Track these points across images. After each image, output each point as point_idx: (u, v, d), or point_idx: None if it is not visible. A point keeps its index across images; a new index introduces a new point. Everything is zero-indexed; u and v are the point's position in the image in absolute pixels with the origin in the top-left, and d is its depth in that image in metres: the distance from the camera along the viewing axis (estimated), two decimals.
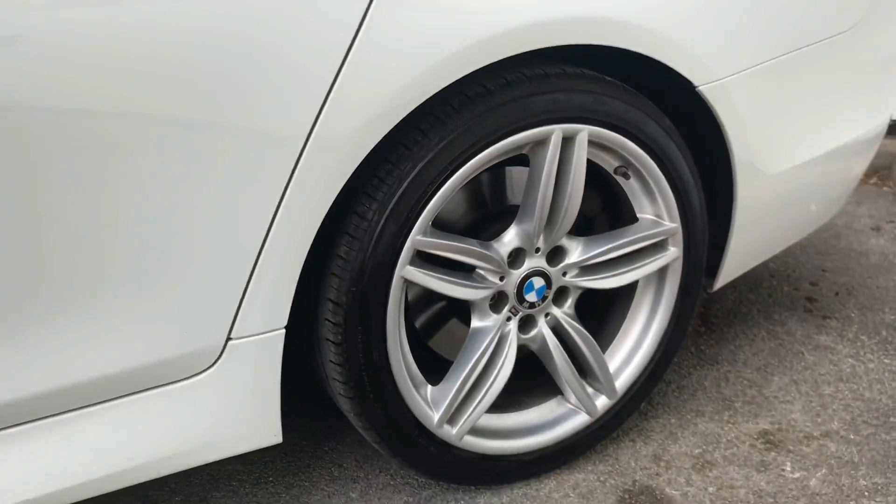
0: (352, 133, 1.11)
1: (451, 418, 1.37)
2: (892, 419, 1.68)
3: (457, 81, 1.16)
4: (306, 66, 1.06)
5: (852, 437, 1.63)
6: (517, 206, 1.40)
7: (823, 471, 1.54)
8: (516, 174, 1.45)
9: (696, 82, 1.35)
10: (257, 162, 1.07)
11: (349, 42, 1.07)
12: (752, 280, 2.22)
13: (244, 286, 1.13)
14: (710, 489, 1.49)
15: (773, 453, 1.58)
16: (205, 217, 1.07)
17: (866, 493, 1.48)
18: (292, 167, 1.09)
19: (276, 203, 1.10)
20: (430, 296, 1.46)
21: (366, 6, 1.07)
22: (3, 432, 1.07)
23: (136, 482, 1.18)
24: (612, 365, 1.51)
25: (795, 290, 2.21)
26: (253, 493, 1.47)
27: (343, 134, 1.11)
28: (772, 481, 1.51)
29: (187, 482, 1.48)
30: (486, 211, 1.47)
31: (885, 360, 1.89)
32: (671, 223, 1.44)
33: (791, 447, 1.60)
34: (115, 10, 0.95)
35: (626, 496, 1.47)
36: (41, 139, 0.95)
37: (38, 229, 1.00)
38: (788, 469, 1.54)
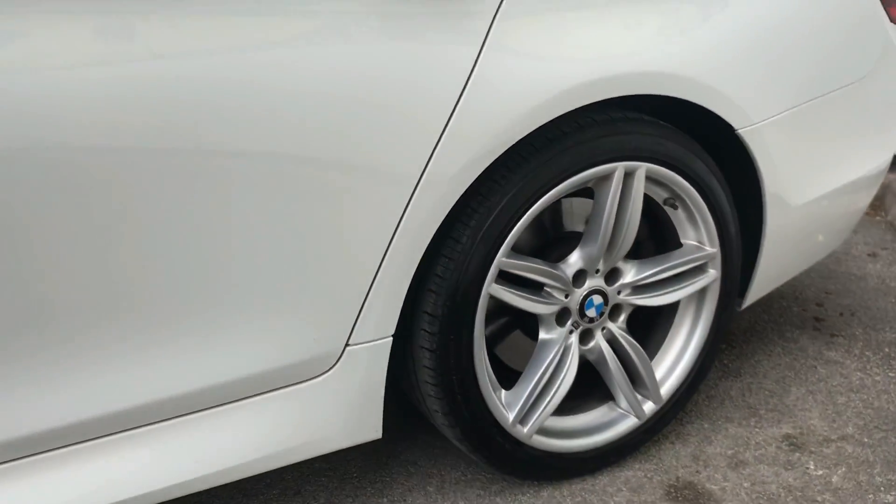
0: (456, 172, 1.31)
1: (523, 419, 1.56)
2: None
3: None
4: (422, 118, 1.26)
5: (866, 440, 1.83)
6: (573, 233, 1.61)
7: (843, 469, 1.74)
8: (577, 204, 1.65)
9: (735, 126, 1.57)
10: (380, 197, 1.27)
11: (458, 96, 1.27)
12: (765, 302, 2.43)
13: (363, 300, 1.32)
14: (745, 484, 1.68)
15: (797, 454, 1.78)
16: (337, 242, 1.26)
17: (882, 489, 1.68)
18: (407, 201, 1.29)
19: (393, 231, 1.29)
20: (497, 310, 1.64)
21: (472, 63, 1.28)
22: (165, 423, 1.25)
23: (263, 471, 1.35)
24: (658, 374, 1.71)
25: (804, 311, 2.42)
26: (341, 486, 1.64)
27: (449, 173, 1.30)
28: (798, 478, 1.71)
29: (280, 478, 1.66)
30: (548, 236, 1.66)
31: (890, 374, 2.10)
32: (711, 248, 1.65)
33: (813, 448, 1.80)
34: (281, 79, 1.15)
35: (672, 490, 1.66)
36: (226, 175, 1.14)
37: (203, 251, 1.18)
38: (812, 467, 1.74)
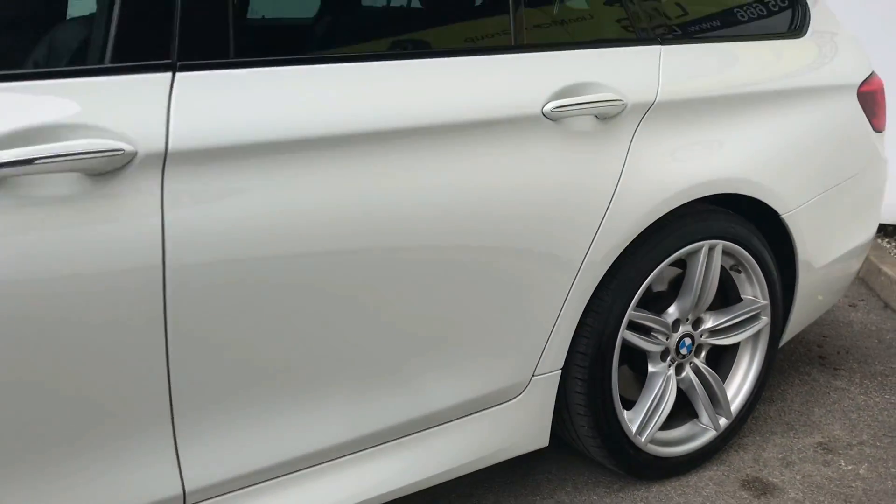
0: (605, 254, 1.89)
1: (640, 431, 2.11)
2: None
3: None
4: (587, 220, 1.83)
5: (878, 444, 2.42)
6: (660, 292, 2.19)
7: (866, 465, 2.32)
8: (667, 271, 2.23)
9: (780, 212, 2.18)
10: (558, 277, 1.83)
11: (609, 201, 1.86)
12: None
13: (545, 346, 1.88)
14: (797, 477, 2.25)
15: (830, 455, 2.36)
16: (531, 309, 1.82)
17: None
18: (574, 278, 1.85)
19: (564, 299, 1.85)
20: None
21: (619, 175, 1.87)
22: (414, 435, 1.77)
23: (477, 469, 1.88)
24: (728, 395, 2.28)
25: (809, 351, 3.03)
26: (503, 490, 2.16)
27: (601, 256, 1.88)
28: (835, 472, 2.28)
29: (457, 483, 2.16)
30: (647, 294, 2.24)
31: (886, 396, 2.71)
32: (764, 301, 2.25)
33: (840, 451, 2.38)
34: (491, 194, 1.71)
35: (745, 483, 2.22)
36: (460, 264, 1.68)
37: (443, 318, 1.72)
38: (843, 464, 2.32)
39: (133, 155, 1.31)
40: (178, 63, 1.39)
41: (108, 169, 1.30)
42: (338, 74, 1.54)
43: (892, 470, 2.29)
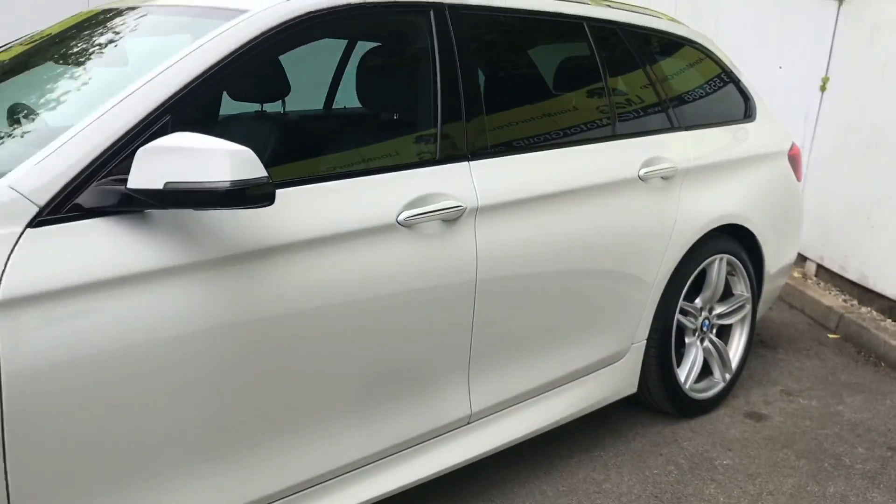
0: (667, 272, 2.99)
1: (685, 382, 3.22)
2: (832, 379, 3.72)
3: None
4: (657, 247, 2.94)
5: (816, 388, 3.64)
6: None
7: (814, 400, 3.52)
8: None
9: (756, 234, 3.38)
10: (645, 284, 2.92)
11: (671, 233, 2.98)
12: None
13: (637, 326, 2.95)
14: (776, 409, 3.41)
15: (790, 396, 3.55)
16: (630, 307, 2.89)
17: (838, 401, 3.48)
18: (653, 283, 2.95)
19: (647, 300, 2.95)
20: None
21: (676, 211, 3.00)
22: (567, 384, 2.79)
23: (598, 407, 2.91)
24: (730, 358, 3.44)
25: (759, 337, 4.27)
26: (598, 436, 3.19)
27: (665, 274, 2.99)
28: (796, 405, 3.47)
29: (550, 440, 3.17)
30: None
31: (813, 361, 3.96)
32: (747, 294, 3.43)
33: (796, 394, 3.57)
34: (600, 231, 2.79)
35: (746, 414, 3.36)
36: (589, 276, 2.75)
37: (578, 311, 2.77)
38: (801, 401, 3.51)
39: (464, 210, 2.29)
40: (471, 156, 2.39)
41: (453, 217, 2.28)
42: (540, 159, 2.57)
43: (830, 401, 3.51)
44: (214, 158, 1.64)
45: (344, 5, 2.19)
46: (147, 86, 1.83)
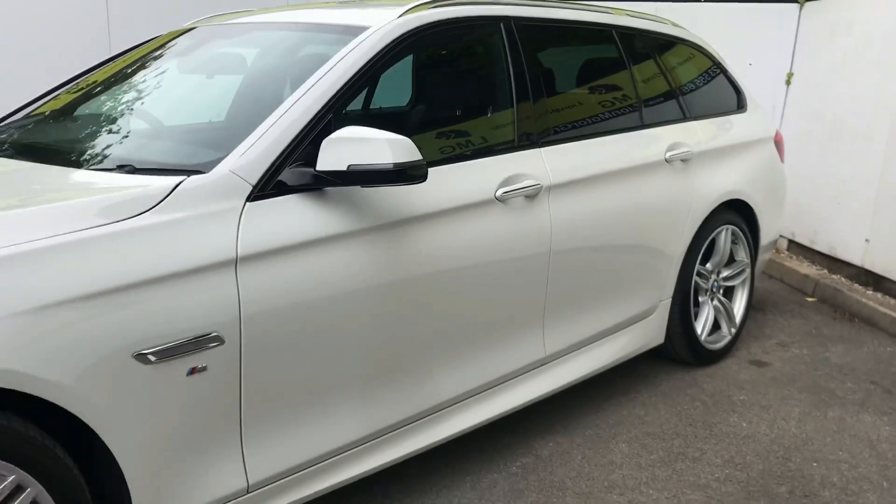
0: (685, 242, 3.55)
1: (701, 335, 3.78)
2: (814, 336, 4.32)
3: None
4: (682, 221, 3.49)
5: (805, 341, 4.24)
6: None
7: (805, 349, 4.12)
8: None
9: (754, 209, 3.96)
10: (672, 250, 3.47)
11: (689, 209, 3.53)
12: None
13: (665, 284, 3.50)
14: (775, 357, 4.00)
15: (785, 347, 4.14)
16: (662, 267, 3.44)
17: (823, 345, 4.08)
18: (679, 250, 3.51)
19: (673, 267, 3.50)
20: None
21: (693, 191, 3.56)
22: (608, 336, 3.33)
23: (631, 357, 3.45)
24: (734, 314, 4.01)
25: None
26: (630, 389, 3.73)
27: (684, 243, 3.54)
28: (791, 353, 4.05)
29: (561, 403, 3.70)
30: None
31: (798, 320, 4.56)
32: (747, 260, 4.01)
33: (788, 345, 4.16)
34: (639, 205, 3.34)
35: (750, 362, 3.93)
36: (624, 248, 3.30)
37: (617, 274, 3.31)
38: (794, 350, 4.10)
39: (541, 187, 2.80)
40: (541, 142, 2.90)
41: (534, 194, 2.78)
42: (591, 145, 3.10)
43: (818, 350, 4.11)
44: (381, 146, 2.12)
45: (443, 20, 2.69)
46: (312, 90, 2.30)
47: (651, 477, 2.85)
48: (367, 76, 2.44)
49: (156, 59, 2.95)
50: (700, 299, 3.81)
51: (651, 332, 3.53)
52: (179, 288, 1.88)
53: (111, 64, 3.08)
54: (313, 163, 2.17)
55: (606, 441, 3.11)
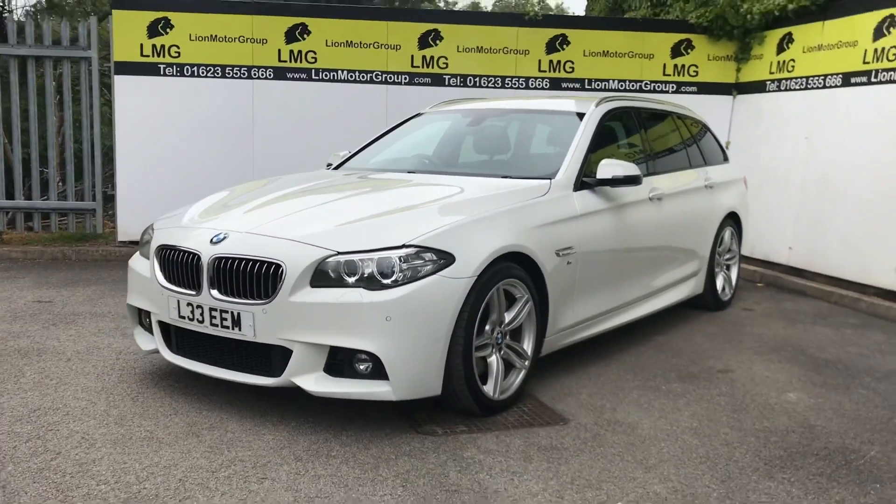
0: (713, 233, 6.22)
1: (721, 290, 6.43)
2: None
3: None
4: (712, 228, 6.17)
5: (788, 317, 6.97)
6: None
7: (773, 304, 6.84)
8: None
9: (738, 213, 6.71)
10: (708, 239, 6.12)
11: (713, 215, 6.22)
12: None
13: (705, 256, 6.15)
14: (760, 308, 6.69)
15: (760, 304, 6.84)
16: (705, 245, 6.08)
17: (785, 305, 6.80)
18: (713, 237, 6.17)
19: (708, 244, 6.16)
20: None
21: (724, 203, 6.25)
22: (672, 285, 5.92)
23: (686, 300, 6.05)
24: (733, 280, 6.69)
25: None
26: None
27: (712, 233, 6.21)
28: (764, 307, 6.76)
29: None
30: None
31: (767, 304, 7.31)
32: (737, 250, 6.71)
33: (764, 303, 6.87)
34: (685, 213, 6.00)
35: (743, 308, 6.60)
36: (675, 239, 5.94)
37: (671, 254, 5.93)
38: (768, 305, 6.81)
39: (663, 195, 5.41)
40: (655, 172, 5.53)
41: (659, 197, 5.38)
42: (674, 175, 5.75)
43: (780, 305, 6.83)
44: (622, 166, 4.67)
45: (618, 108, 5.31)
46: (580, 143, 4.82)
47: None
48: (595, 133, 4.99)
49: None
50: (716, 270, 6.46)
51: (696, 285, 6.12)
52: (560, 225, 4.33)
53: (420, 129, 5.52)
54: (591, 175, 4.68)
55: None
